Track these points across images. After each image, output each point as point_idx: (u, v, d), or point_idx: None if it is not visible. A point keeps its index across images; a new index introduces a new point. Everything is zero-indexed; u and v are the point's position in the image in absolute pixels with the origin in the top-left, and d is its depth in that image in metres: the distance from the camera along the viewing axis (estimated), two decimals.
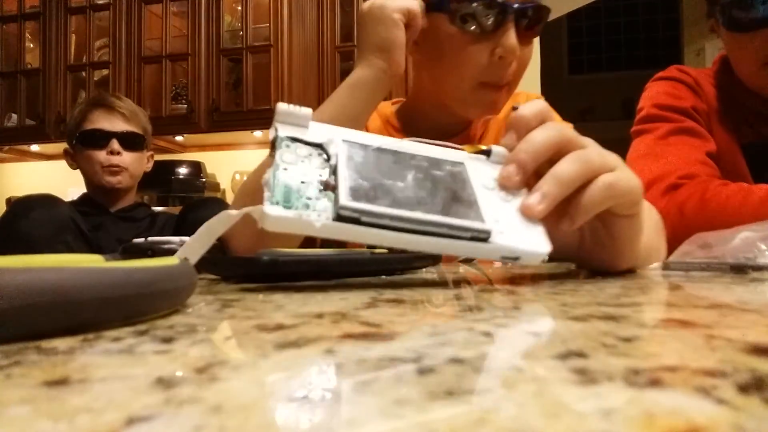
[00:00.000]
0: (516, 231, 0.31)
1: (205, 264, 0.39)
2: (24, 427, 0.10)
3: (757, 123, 0.75)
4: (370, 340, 0.16)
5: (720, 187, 0.65)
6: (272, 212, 0.27)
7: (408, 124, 0.71)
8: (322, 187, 0.29)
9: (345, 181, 0.29)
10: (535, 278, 0.35)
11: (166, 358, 0.15)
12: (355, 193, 0.29)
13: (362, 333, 0.17)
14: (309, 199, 0.28)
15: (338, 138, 0.32)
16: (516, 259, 0.30)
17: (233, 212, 0.29)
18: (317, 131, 0.32)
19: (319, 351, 0.15)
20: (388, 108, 0.75)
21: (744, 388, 0.11)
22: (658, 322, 0.19)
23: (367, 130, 0.73)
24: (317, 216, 0.28)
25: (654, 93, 0.82)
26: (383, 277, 0.38)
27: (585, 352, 0.14)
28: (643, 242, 0.41)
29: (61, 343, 0.17)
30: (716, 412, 0.10)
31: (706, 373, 0.12)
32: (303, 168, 0.30)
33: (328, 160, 0.31)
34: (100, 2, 2.55)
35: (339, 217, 0.28)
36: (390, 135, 0.73)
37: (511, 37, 0.54)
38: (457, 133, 0.70)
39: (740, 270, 0.36)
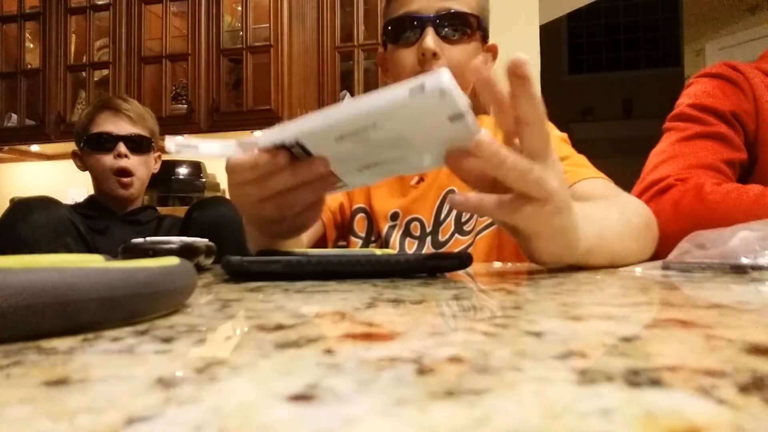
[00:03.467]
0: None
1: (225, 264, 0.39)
2: (24, 427, 0.10)
3: None
4: (370, 340, 0.16)
5: (716, 185, 0.65)
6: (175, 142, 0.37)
7: None
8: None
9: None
10: (535, 278, 0.35)
11: (166, 358, 0.15)
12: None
13: (362, 333, 0.17)
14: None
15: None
16: (421, 86, 0.32)
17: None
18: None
19: (319, 351, 0.15)
20: None
21: (744, 388, 0.11)
22: (658, 322, 0.19)
23: None
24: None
25: (696, 90, 0.80)
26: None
27: (585, 352, 0.14)
28: (605, 240, 0.45)
29: (61, 343, 0.17)
30: (716, 412, 0.10)
31: (706, 373, 0.12)
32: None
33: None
34: (100, 2, 2.55)
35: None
36: None
37: (426, 38, 0.67)
38: None
39: (740, 270, 0.36)
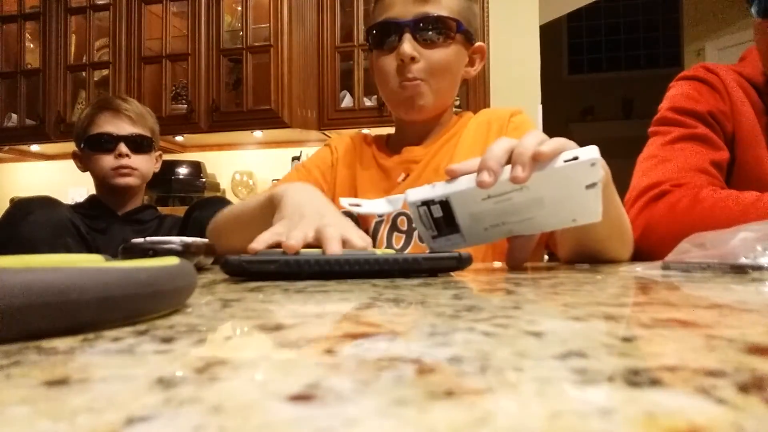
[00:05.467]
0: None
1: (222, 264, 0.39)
2: (24, 427, 0.10)
3: None
4: (370, 340, 0.16)
5: (711, 190, 0.65)
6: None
7: (394, 143, 0.83)
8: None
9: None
10: (535, 278, 0.35)
11: (166, 358, 0.15)
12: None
13: (362, 333, 0.17)
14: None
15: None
16: (575, 158, 0.38)
17: None
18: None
19: (319, 351, 0.15)
20: (369, 136, 0.87)
21: (744, 388, 0.11)
22: (658, 322, 0.19)
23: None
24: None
25: (674, 94, 0.81)
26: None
27: (585, 352, 0.14)
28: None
29: (61, 343, 0.17)
30: (716, 412, 0.10)
31: (706, 373, 0.12)
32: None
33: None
34: (100, 2, 2.55)
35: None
36: (371, 151, 0.83)
37: (404, 44, 0.69)
38: (432, 133, 0.80)
39: (740, 270, 0.36)
